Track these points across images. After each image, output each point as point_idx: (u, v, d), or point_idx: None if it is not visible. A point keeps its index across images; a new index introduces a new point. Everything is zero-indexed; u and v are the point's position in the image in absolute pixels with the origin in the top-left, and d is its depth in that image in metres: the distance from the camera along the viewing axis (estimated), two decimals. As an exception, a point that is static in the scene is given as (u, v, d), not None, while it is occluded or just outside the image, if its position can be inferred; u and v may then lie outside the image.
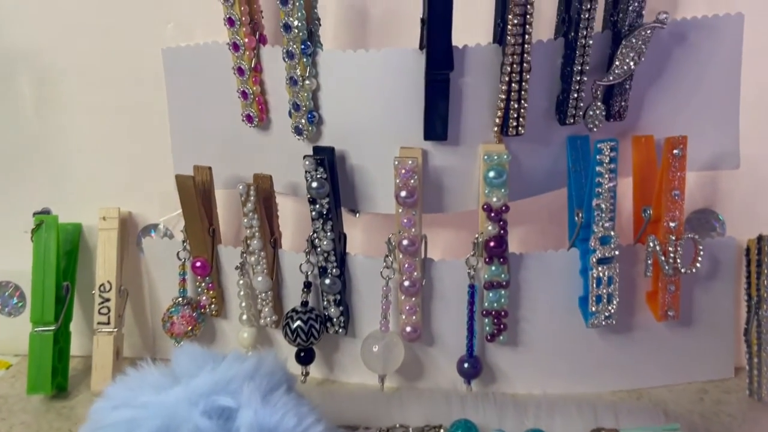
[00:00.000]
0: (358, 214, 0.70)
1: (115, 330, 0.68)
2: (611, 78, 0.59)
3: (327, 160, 0.58)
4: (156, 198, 0.71)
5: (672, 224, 0.60)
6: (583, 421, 0.52)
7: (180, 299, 0.68)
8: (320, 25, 0.61)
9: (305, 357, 0.65)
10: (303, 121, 0.61)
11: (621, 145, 0.62)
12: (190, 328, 0.67)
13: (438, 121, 0.57)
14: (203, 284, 0.67)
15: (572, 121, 0.59)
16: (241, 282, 0.66)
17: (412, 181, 0.57)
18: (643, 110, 0.63)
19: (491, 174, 0.57)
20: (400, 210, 0.58)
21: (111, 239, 0.68)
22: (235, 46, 0.61)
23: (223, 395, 0.40)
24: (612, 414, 0.53)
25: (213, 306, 0.68)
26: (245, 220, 0.62)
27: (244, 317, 0.67)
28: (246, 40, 0.61)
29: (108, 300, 0.67)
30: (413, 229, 0.59)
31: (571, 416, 0.53)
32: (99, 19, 0.69)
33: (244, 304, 0.66)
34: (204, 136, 0.69)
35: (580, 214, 0.61)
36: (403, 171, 0.57)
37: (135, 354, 0.74)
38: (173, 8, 0.68)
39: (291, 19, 0.57)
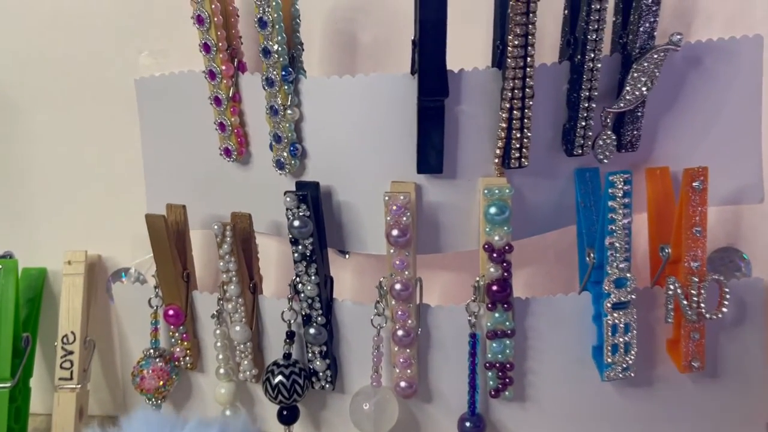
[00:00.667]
0: (347, 255, 0.64)
1: (79, 386, 0.62)
2: (622, 105, 0.54)
3: (310, 196, 0.53)
4: (128, 240, 0.66)
5: (694, 264, 0.54)
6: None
7: (151, 351, 0.61)
8: (303, 50, 0.56)
9: (288, 416, 0.58)
10: (285, 154, 0.55)
11: (634, 179, 0.57)
12: (161, 383, 0.61)
13: (432, 153, 0.52)
14: (177, 334, 0.61)
15: (580, 151, 0.54)
16: (218, 332, 0.60)
17: (404, 218, 0.51)
18: (657, 140, 0.58)
19: (492, 210, 0.51)
20: (392, 251, 0.53)
21: (76, 285, 0.62)
22: (212, 74, 0.57)
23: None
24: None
25: (188, 358, 0.62)
26: (221, 264, 0.57)
27: (222, 371, 0.60)
28: (223, 67, 0.56)
29: (71, 353, 0.61)
30: (407, 272, 0.53)
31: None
32: (67, 48, 0.64)
33: (221, 357, 0.60)
34: (180, 172, 0.63)
35: (592, 254, 0.55)
36: (395, 207, 0.51)
37: (104, 411, 0.68)
38: (146, 35, 0.64)
39: (270, 43, 0.52)
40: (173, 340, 0.62)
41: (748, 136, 0.59)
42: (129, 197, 0.65)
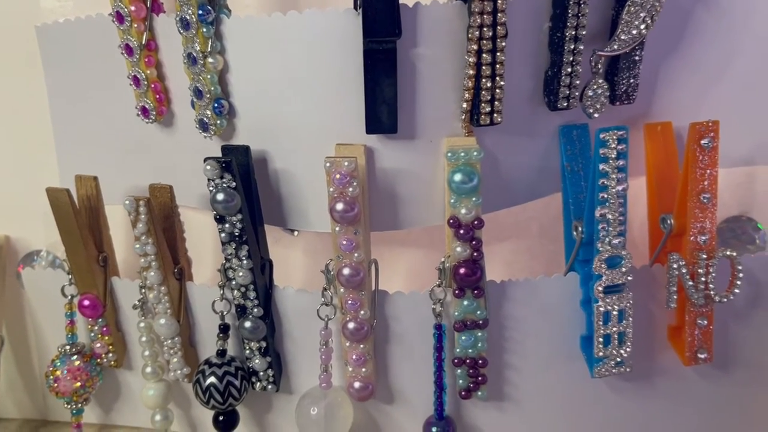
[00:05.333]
0: (296, 232, 0.55)
1: (-17, 391, 0.53)
2: (616, 47, 0.46)
3: (237, 164, 0.44)
4: (41, 217, 0.56)
5: (701, 238, 0.46)
6: None
7: (67, 348, 0.53)
8: (226, -17, 0.46)
9: (225, 422, 0.50)
10: (208, 112, 0.46)
11: (631, 137, 0.49)
12: (79, 384, 0.52)
13: (383, 108, 0.43)
14: (96, 328, 0.53)
15: (565, 104, 0.46)
16: (142, 325, 0.51)
17: (350, 189, 0.42)
18: (657, 91, 0.50)
19: (457, 177, 0.42)
20: (337, 228, 0.44)
21: (-23, 272, 0.53)
22: (119, 17, 0.47)
23: None
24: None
25: (111, 355, 0.53)
26: (137, 246, 0.48)
27: (148, 369, 0.52)
28: (132, 7, 0.46)
29: (-28, 351, 0.53)
30: (356, 254, 0.44)
31: None
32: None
33: (147, 353, 0.52)
34: (95, 137, 0.54)
35: (580, 228, 0.47)
36: (338, 176, 0.42)
37: (23, 415, 0.60)
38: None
39: (182, -26, 0.43)
40: (92, 334, 0.53)
41: (765, 87, 0.51)
42: (39, 168, 0.56)
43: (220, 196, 0.43)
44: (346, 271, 0.44)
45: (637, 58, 0.47)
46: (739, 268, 0.47)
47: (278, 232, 0.56)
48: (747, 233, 0.53)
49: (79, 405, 0.54)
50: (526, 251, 0.56)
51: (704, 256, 0.46)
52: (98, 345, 0.53)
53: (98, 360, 0.54)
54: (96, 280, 0.51)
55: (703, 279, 0.46)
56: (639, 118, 0.50)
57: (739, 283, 0.47)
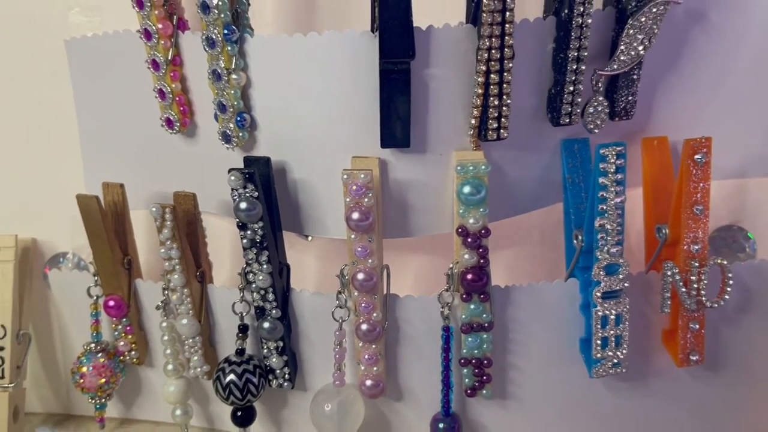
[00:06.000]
0: (310, 238, 0.58)
1: (12, 385, 0.55)
2: (615, 66, 0.48)
3: (260, 174, 0.46)
4: (67, 221, 0.59)
5: (694, 247, 0.48)
6: None
7: (92, 345, 0.55)
8: (249, 4, 0.49)
9: (243, 417, 0.52)
10: (231, 125, 0.49)
11: (629, 150, 0.51)
12: (103, 380, 0.55)
13: (397, 124, 0.45)
14: (120, 327, 0.55)
15: (568, 120, 0.48)
16: (164, 325, 0.54)
17: (366, 199, 0.45)
18: (654, 107, 0.52)
19: (466, 189, 0.45)
20: (353, 236, 0.46)
21: (6, 273, 0.56)
22: (147, 34, 0.49)
23: None
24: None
25: (133, 353, 0.56)
26: (162, 250, 0.50)
27: (170, 367, 0.55)
28: (160, 25, 0.49)
29: (1, 348, 0.55)
30: (370, 260, 0.47)
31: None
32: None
33: (168, 351, 0.54)
34: (120, 146, 0.57)
35: (580, 237, 0.49)
36: (355, 187, 0.44)
37: (46, 409, 0.62)
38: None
39: (210, -4, 0.45)
40: (116, 333, 0.56)
41: (757, 103, 0.53)
42: (66, 174, 0.58)
43: (243, 205, 0.46)
44: (360, 276, 0.47)
45: (635, 77, 0.49)
46: (730, 275, 0.49)
47: (293, 237, 0.58)
48: (738, 242, 0.56)
49: (103, 400, 0.56)
50: (529, 257, 0.58)
51: (696, 264, 0.49)
52: (122, 343, 0.56)
53: (121, 357, 0.56)
54: (121, 282, 0.54)
55: (695, 286, 0.49)
56: (637, 133, 0.52)
57: (729, 289, 0.49)
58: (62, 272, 0.58)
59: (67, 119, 0.58)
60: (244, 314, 0.51)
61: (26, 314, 0.58)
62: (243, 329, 0.52)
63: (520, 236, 0.58)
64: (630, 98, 0.50)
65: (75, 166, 0.58)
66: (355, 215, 0.45)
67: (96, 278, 0.54)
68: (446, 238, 0.51)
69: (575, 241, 0.50)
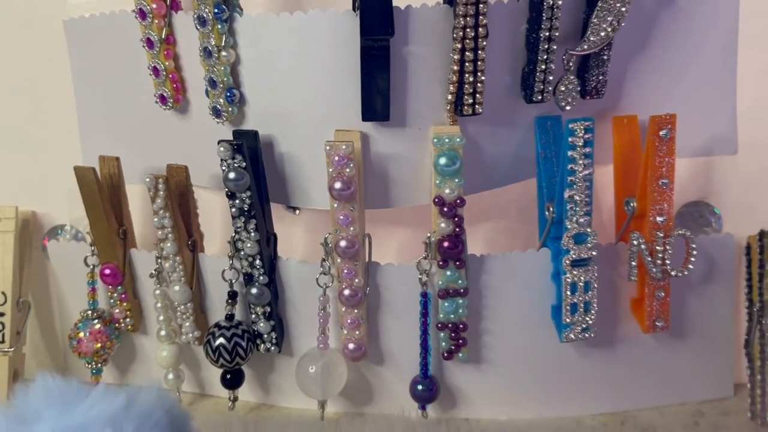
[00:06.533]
0: (297, 212, 0.61)
1: (12, 350, 0.58)
2: (586, 47, 0.50)
3: (248, 146, 0.49)
4: (64, 195, 0.61)
5: (659, 219, 0.51)
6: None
7: (89, 312, 0.58)
8: (238, -16, 0.51)
9: (232, 380, 0.55)
10: (221, 100, 0.51)
11: (600, 128, 0.54)
12: (99, 345, 0.57)
13: (378, 98, 0.48)
14: (115, 295, 0.58)
15: (540, 98, 0.50)
16: (158, 292, 0.56)
17: (347, 169, 0.47)
18: (624, 87, 0.55)
19: (442, 161, 0.48)
20: (335, 205, 0.49)
21: (7, 243, 0.58)
22: (142, 13, 0.52)
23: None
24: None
25: (128, 320, 0.59)
26: (155, 219, 0.53)
27: (163, 333, 0.57)
28: (154, 5, 0.51)
29: (2, 314, 0.58)
30: (352, 228, 0.49)
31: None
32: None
33: (161, 318, 0.57)
34: (116, 122, 0.59)
35: (551, 208, 0.52)
36: (337, 158, 0.47)
37: (45, 375, 0.64)
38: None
39: (201, -23, 0.48)
40: (112, 300, 0.58)
41: (722, 85, 0.56)
42: (63, 149, 0.61)
43: (231, 175, 0.49)
44: (342, 243, 0.50)
45: (605, 57, 0.51)
46: (693, 246, 0.52)
47: (282, 211, 0.61)
48: (704, 217, 0.58)
49: (99, 365, 0.59)
50: (506, 231, 0.61)
51: (661, 235, 0.51)
52: (117, 311, 0.58)
53: (117, 324, 0.59)
54: (116, 251, 0.56)
55: (660, 255, 0.51)
56: (608, 111, 0.54)
57: (693, 259, 0.52)
58: (60, 243, 0.61)
59: (65, 97, 0.60)
60: (233, 281, 0.54)
61: (26, 283, 0.61)
62: (232, 295, 0.54)
63: (498, 211, 0.60)
64: (601, 78, 0.52)
65: (73, 143, 0.61)
66: (338, 185, 0.48)
67: (93, 248, 0.57)
68: (428, 212, 0.53)
69: (547, 213, 0.52)
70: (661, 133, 0.50)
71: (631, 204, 0.53)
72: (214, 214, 0.61)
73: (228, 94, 0.51)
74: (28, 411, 0.33)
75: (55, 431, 0.31)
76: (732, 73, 0.55)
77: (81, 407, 0.33)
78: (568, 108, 0.52)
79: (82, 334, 0.57)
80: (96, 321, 0.58)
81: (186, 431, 0.36)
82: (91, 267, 0.58)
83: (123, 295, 0.58)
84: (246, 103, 0.52)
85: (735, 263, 0.55)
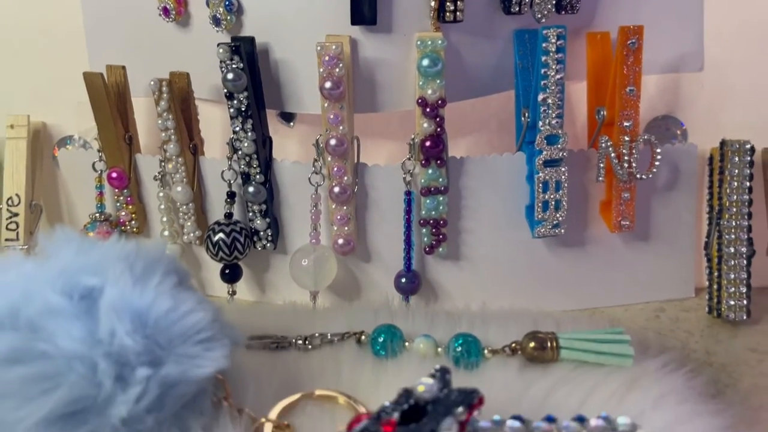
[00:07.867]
0: (292, 124, 0.65)
1: (25, 247, 0.62)
2: None
3: (245, 51, 0.53)
4: (73, 108, 0.65)
5: (626, 124, 0.55)
6: (520, 328, 0.47)
7: (97, 215, 0.62)
8: None
9: (230, 274, 0.59)
10: (221, 9, 0.55)
11: (575, 45, 0.58)
12: (107, 245, 0.61)
13: (365, 2, 0.51)
14: (122, 198, 0.62)
15: (517, 8, 0.54)
16: (161, 194, 0.60)
17: (337, 69, 0.51)
18: (599, 3, 0.58)
19: (425, 62, 0.52)
20: (326, 104, 0.53)
21: (20, 149, 0.62)
22: (146, -73, 0.55)
23: (87, 275, 0.35)
24: (553, 322, 0.48)
25: (133, 222, 0.63)
26: (159, 122, 0.57)
27: (166, 233, 0.61)
28: None
29: (16, 215, 0.62)
30: (341, 127, 0.53)
31: (508, 324, 0.48)
32: None
33: (165, 219, 0.61)
34: (122, 35, 0.63)
35: (527, 114, 0.55)
36: (327, 58, 0.51)
37: (55, 279, 0.68)
38: None
39: None
40: (118, 204, 0.62)
41: (690, 3, 0.59)
42: (72, 64, 0.64)
43: (230, 75, 0.53)
44: (332, 141, 0.54)
45: None
46: (658, 151, 0.56)
47: (277, 124, 0.65)
48: (671, 129, 0.62)
49: (106, 265, 0.63)
50: (487, 143, 0.65)
51: (628, 140, 0.55)
52: (123, 213, 0.62)
53: (123, 227, 0.63)
54: (123, 155, 0.60)
55: (627, 158, 0.55)
56: (583, 28, 0.58)
57: (657, 163, 0.55)
58: (69, 151, 0.65)
59: (72, 10, 0.64)
60: (231, 182, 0.58)
61: (38, 188, 0.65)
62: (231, 195, 0.58)
63: (480, 124, 0.64)
64: (575, -7, 0.56)
65: (81, 56, 0.64)
66: (328, 84, 0.52)
67: (100, 153, 0.61)
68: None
69: (523, 119, 0.56)
70: (628, 42, 0.53)
71: (602, 112, 0.57)
72: (214, 124, 0.65)
73: (227, 3, 0.55)
74: (47, 251, 0.38)
75: (72, 266, 0.36)
76: (700, -7, 0.59)
77: (97, 249, 0.37)
78: (543, 21, 0.55)
79: (90, 234, 0.61)
80: (104, 223, 0.61)
81: (186, 281, 0.40)
82: (99, 172, 0.62)
83: (129, 198, 0.62)
84: (243, 13, 0.56)
85: (698, 173, 0.59)
